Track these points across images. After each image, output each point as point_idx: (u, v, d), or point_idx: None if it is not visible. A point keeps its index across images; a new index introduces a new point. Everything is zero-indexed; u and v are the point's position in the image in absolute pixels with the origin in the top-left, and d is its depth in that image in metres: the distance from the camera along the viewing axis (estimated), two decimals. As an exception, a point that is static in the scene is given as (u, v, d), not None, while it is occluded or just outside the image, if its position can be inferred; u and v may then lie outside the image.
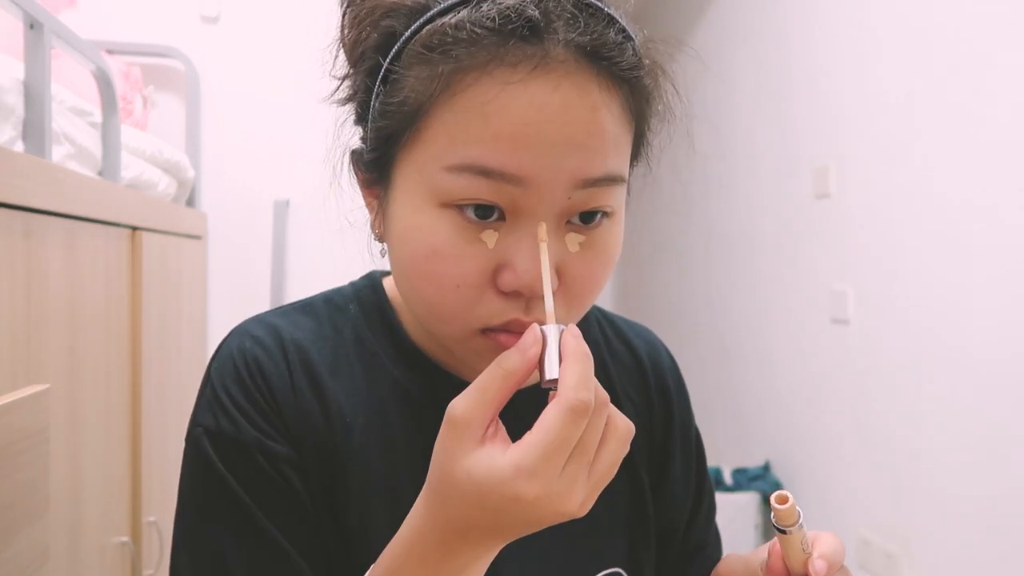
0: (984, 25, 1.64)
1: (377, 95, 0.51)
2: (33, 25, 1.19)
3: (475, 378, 0.59)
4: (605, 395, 0.45)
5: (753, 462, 2.55)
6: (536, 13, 0.47)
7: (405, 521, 0.48)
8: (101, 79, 1.55)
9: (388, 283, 0.64)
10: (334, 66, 0.56)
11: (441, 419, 0.45)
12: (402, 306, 0.62)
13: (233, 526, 0.53)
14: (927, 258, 1.79)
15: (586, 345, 0.46)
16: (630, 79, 0.50)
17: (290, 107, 2.22)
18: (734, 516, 2.29)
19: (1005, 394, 1.59)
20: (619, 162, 0.51)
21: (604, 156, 0.49)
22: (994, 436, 1.62)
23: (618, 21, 0.51)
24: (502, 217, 0.49)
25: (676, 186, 2.99)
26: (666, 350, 0.74)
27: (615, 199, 0.51)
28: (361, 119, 0.56)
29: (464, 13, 0.48)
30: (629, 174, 0.55)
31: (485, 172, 0.47)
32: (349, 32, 0.54)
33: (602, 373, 0.67)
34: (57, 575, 1.14)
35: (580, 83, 0.48)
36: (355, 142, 0.58)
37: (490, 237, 0.48)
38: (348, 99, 0.57)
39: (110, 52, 2.13)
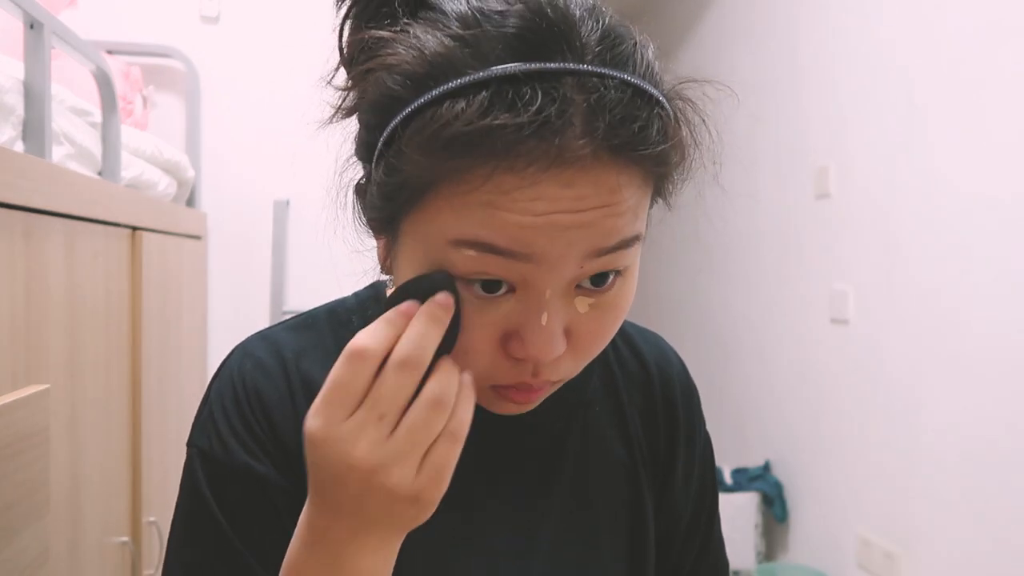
0: (985, 26, 1.64)
1: (378, 161, 0.48)
2: (33, 25, 1.19)
3: (483, 404, 0.56)
4: (421, 356, 0.44)
5: (753, 462, 2.55)
6: (552, 111, 0.42)
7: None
8: (101, 79, 1.55)
9: None
10: (334, 77, 0.54)
11: None
12: None
13: (213, 549, 0.54)
14: (927, 258, 1.79)
15: (433, 313, 0.45)
16: (655, 155, 0.46)
17: (290, 107, 2.21)
18: (734, 516, 2.29)
19: (1005, 394, 1.59)
20: (637, 225, 0.47)
21: (620, 228, 0.46)
22: (993, 436, 1.61)
23: (646, 91, 0.45)
24: (511, 289, 0.47)
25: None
26: (677, 359, 0.72)
27: (630, 258, 0.49)
28: (361, 157, 0.53)
29: (474, 109, 0.42)
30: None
31: (492, 250, 0.44)
32: (347, 58, 0.52)
33: (609, 378, 0.67)
34: (57, 575, 1.14)
35: (597, 176, 0.44)
36: (357, 164, 0.55)
37: (498, 310, 0.47)
38: (349, 113, 0.54)
39: (110, 52, 2.13)
